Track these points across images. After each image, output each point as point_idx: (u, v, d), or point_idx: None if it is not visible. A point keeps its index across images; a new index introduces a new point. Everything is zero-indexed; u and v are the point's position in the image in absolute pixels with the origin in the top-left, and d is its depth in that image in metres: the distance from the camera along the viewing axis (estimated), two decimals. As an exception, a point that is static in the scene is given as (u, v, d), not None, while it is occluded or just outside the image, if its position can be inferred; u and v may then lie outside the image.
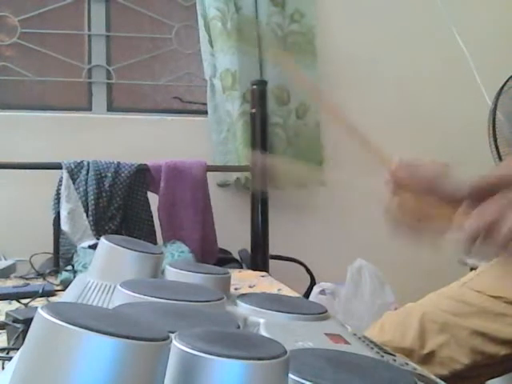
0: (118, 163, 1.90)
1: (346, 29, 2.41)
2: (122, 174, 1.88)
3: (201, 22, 2.26)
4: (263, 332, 0.64)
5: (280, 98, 2.29)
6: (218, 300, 0.69)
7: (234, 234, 2.05)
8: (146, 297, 0.64)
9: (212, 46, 2.26)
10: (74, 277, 1.29)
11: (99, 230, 1.81)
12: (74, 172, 1.86)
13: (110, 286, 0.75)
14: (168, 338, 0.41)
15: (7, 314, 0.93)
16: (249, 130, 2.17)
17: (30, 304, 1.19)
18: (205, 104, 2.33)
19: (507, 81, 2.08)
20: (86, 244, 1.69)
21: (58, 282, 1.50)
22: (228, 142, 2.27)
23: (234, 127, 2.24)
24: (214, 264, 1.62)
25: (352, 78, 2.40)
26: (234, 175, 2.27)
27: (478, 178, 0.83)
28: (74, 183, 1.84)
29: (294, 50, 2.31)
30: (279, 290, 1.42)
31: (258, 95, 2.01)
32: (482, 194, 0.78)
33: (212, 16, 2.23)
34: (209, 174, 2.02)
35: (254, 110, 2.01)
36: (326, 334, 0.65)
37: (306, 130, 2.32)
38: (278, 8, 2.28)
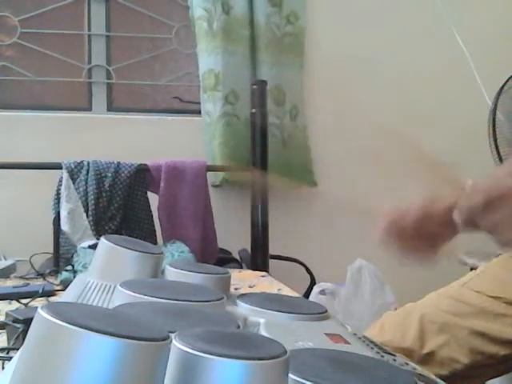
0: (118, 163, 1.90)
1: (346, 28, 2.41)
2: (122, 174, 1.88)
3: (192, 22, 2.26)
4: (263, 332, 0.64)
5: (276, 98, 2.28)
6: (218, 300, 0.69)
7: (234, 234, 2.05)
8: (146, 297, 0.64)
9: (196, 45, 2.26)
10: (74, 277, 1.29)
11: (99, 230, 1.82)
12: (74, 172, 1.86)
13: (110, 286, 0.75)
14: (168, 337, 0.41)
15: (7, 314, 0.93)
16: (229, 131, 2.17)
17: (30, 304, 1.19)
18: (205, 104, 2.33)
19: (507, 81, 2.08)
20: (86, 244, 1.69)
21: (58, 282, 1.50)
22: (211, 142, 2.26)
23: (214, 128, 2.23)
24: (214, 264, 1.62)
25: (353, 79, 2.40)
26: (220, 175, 2.26)
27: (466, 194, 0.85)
28: (73, 183, 1.84)
29: (287, 52, 2.30)
30: (279, 289, 1.42)
31: (258, 95, 2.01)
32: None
33: (198, 16, 2.22)
34: (212, 173, 2.02)
35: (254, 110, 2.01)
36: (326, 334, 0.65)
37: (298, 133, 2.33)
38: (276, 8, 2.28)
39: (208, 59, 2.22)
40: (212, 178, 2.26)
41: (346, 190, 2.20)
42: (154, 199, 1.94)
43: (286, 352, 0.42)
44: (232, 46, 2.22)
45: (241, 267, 1.99)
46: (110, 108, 2.37)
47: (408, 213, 0.86)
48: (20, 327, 0.86)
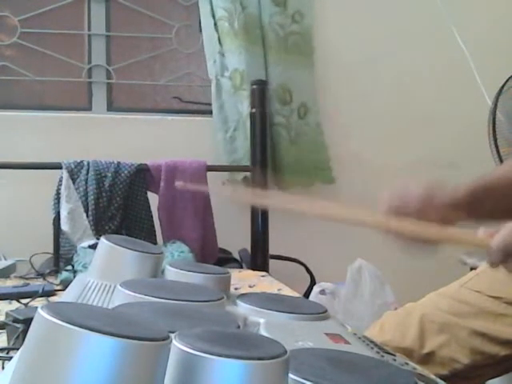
0: (118, 163, 1.90)
1: (346, 28, 2.41)
2: (122, 174, 1.88)
3: (209, 20, 2.24)
4: (263, 332, 0.64)
5: (282, 97, 2.29)
6: (218, 300, 0.69)
7: (233, 233, 2.05)
8: (146, 297, 0.64)
9: (221, 44, 2.26)
10: (74, 277, 1.29)
11: (99, 229, 1.81)
12: (74, 172, 1.86)
13: (110, 286, 0.75)
14: (168, 337, 0.41)
15: (7, 314, 0.93)
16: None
17: (29, 304, 1.19)
18: (205, 104, 2.33)
19: (507, 81, 2.08)
20: (86, 244, 1.69)
21: (58, 281, 1.50)
22: (235, 140, 2.27)
23: (244, 126, 2.23)
24: (214, 264, 1.62)
25: (352, 79, 2.40)
26: (241, 174, 2.26)
27: (464, 187, 0.85)
28: (73, 183, 1.84)
29: (294, 51, 2.31)
30: (279, 290, 1.42)
31: (259, 95, 2.01)
32: (465, 206, 0.81)
33: (219, 16, 2.22)
34: (213, 173, 2.02)
35: (254, 110, 2.01)
36: (326, 334, 0.65)
37: (309, 131, 2.33)
38: (280, 8, 2.28)
39: (232, 58, 2.23)
40: (228, 175, 2.26)
41: (361, 187, 2.26)
42: (154, 199, 1.94)
43: (285, 352, 0.42)
44: (250, 45, 2.23)
45: (241, 267, 1.99)
46: (110, 108, 2.37)
47: (410, 199, 0.85)
48: (20, 327, 0.86)
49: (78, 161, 1.88)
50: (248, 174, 2.23)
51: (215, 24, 2.24)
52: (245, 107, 2.21)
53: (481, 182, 0.93)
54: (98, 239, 1.64)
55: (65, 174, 1.84)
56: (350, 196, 2.31)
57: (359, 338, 0.70)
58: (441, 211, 0.84)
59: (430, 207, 0.84)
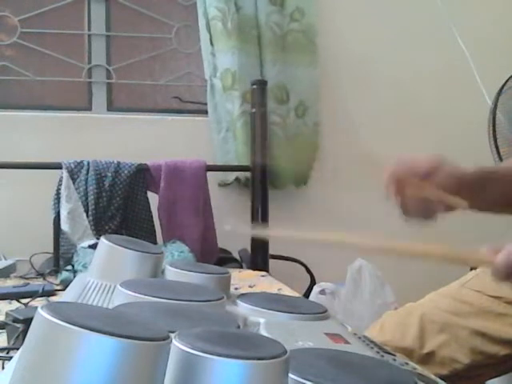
0: (118, 163, 1.90)
1: (346, 28, 2.41)
2: (122, 174, 1.88)
3: (202, 21, 2.25)
4: (263, 332, 0.64)
5: (279, 96, 2.28)
6: (218, 300, 0.69)
7: (233, 233, 2.05)
8: (146, 297, 0.64)
9: (213, 45, 2.26)
10: (74, 277, 1.29)
11: (99, 229, 1.81)
12: (74, 172, 1.86)
13: (110, 286, 0.75)
14: (168, 337, 0.41)
15: (7, 314, 0.93)
16: (248, 129, 2.17)
17: (29, 304, 1.19)
18: (205, 104, 2.33)
19: (507, 81, 2.08)
20: (86, 244, 1.69)
21: (58, 281, 1.50)
22: (228, 141, 2.27)
23: (234, 127, 2.24)
24: (214, 264, 1.62)
25: (352, 78, 2.40)
26: (233, 174, 2.27)
27: (471, 168, 0.85)
28: (73, 183, 1.84)
29: (294, 49, 2.31)
30: (279, 289, 1.42)
31: (258, 95, 2.01)
32: (470, 186, 0.82)
33: (212, 16, 2.22)
34: (210, 173, 2.02)
35: (253, 110, 2.01)
36: (326, 334, 0.65)
37: (306, 130, 2.32)
38: (277, 7, 2.28)
39: (224, 58, 2.23)
40: (222, 176, 2.26)
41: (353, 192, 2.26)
42: (154, 199, 1.94)
43: (285, 352, 0.42)
44: (245, 45, 2.23)
45: (241, 267, 1.99)
46: (110, 108, 2.37)
47: (418, 163, 0.86)
48: (20, 327, 0.86)
49: (78, 161, 1.88)
50: (240, 174, 2.23)
51: (207, 24, 2.24)
52: (236, 108, 2.21)
53: (490, 169, 0.94)
54: (98, 239, 1.64)
55: (65, 174, 1.84)
56: (342, 198, 2.30)
57: (359, 337, 0.70)
58: (445, 184, 0.85)
59: (437, 175, 0.85)
